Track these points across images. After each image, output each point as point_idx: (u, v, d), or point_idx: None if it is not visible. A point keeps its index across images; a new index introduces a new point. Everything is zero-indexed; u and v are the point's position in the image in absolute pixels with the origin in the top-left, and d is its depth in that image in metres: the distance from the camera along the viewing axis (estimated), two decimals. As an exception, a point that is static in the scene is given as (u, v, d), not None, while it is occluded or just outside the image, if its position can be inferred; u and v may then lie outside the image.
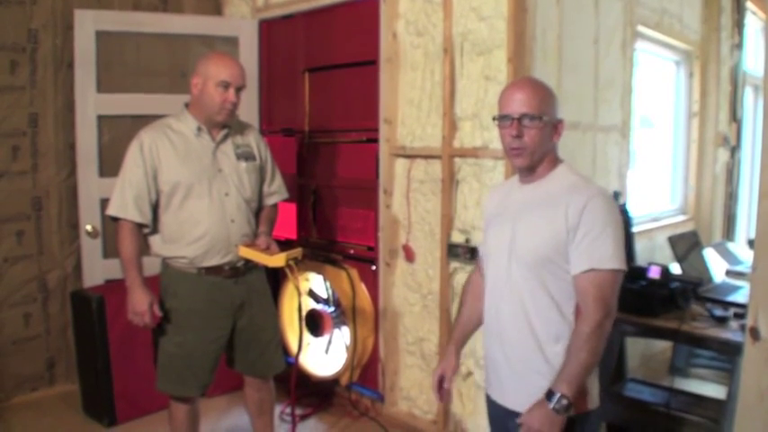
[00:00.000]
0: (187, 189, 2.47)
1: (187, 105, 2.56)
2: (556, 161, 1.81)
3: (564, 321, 1.70)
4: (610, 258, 1.63)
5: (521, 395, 1.75)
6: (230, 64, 2.50)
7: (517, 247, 1.76)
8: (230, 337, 2.64)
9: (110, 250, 3.58)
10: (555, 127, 1.78)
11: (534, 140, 1.74)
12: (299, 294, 2.95)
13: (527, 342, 1.75)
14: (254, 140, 2.68)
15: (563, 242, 1.67)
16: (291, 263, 2.53)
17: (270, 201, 2.77)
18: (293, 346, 3.80)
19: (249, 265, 2.61)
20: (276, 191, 2.79)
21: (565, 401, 1.60)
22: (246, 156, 2.62)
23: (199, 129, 2.51)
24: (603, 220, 1.65)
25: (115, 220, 2.48)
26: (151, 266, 2.61)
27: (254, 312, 2.65)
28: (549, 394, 1.62)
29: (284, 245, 2.89)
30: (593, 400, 1.76)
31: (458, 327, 2.08)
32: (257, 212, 2.70)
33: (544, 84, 1.84)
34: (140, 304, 2.42)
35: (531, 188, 1.81)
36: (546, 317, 1.72)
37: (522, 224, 1.78)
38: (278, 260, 2.50)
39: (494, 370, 1.88)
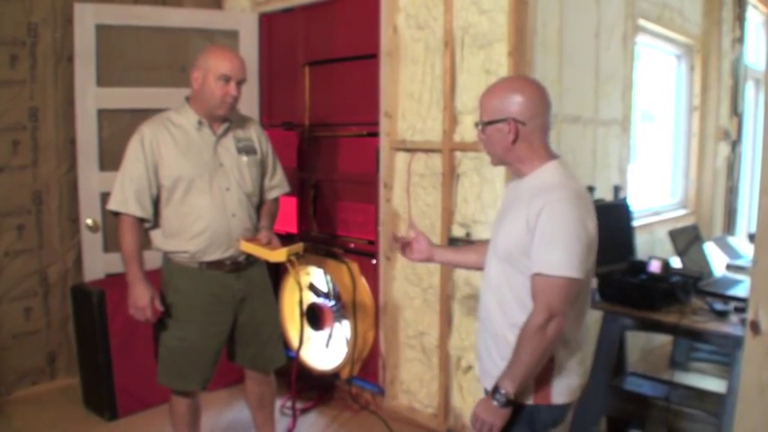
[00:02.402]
0: (188, 183, 2.46)
1: (188, 99, 2.56)
2: (543, 158, 1.79)
3: (526, 314, 1.72)
4: (557, 265, 1.64)
5: (491, 379, 1.81)
6: (231, 57, 2.49)
7: (496, 241, 1.84)
8: (231, 332, 2.64)
9: (110, 244, 3.58)
10: (505, 128, 1.75)
11: (485, 145, 1.84)
12: (300, 289, 2.94)
13: (497, 328, 1.82)
14: (255, 134, 2.68)
15: (525, 242, 1.70)
16: (293, 258, 2.52)
17: (271, 195, 2.76)
18: (294, 340, 3.80)
19: (250, 260, 2.61)
20: (277, 185, 2.78)
21: (504, 397, 1.70)
22: (247, 150, 2.61)
23: (200, 122, 2.50)
24: (555, 226, 1.65)
25: (116, 214, 2.48)
26: (152, 260, 2.61)
27: (255, 307, 2.65)
28: (494, 388, 1.72)
29: (285, 239, 2.89)
30: (561, 395, 1.80)
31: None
32: (258, 207, 2.70)
33: (500, 83, 1.87)
34: (141, 299, 2.42)
35: (518, 184, 1.84)
36: (512, 310, 1.77)
37: (502, 219, 1.85)
38: (279, 255, 2.49)
39: (478, 354, 1.98)
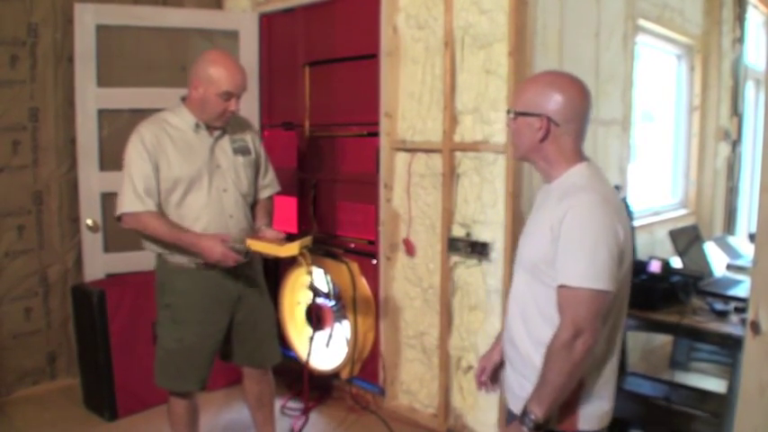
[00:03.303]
0: (187, 185, 2.45)
1: (183, 99, 2.54)
2: (571, 161, 1.67)
3: (552, 332, 1.59)
4: (582, 276, 1.51)
5: (511, 396, 1.76)
6: (234, 72, 2.44)
7: (521, 250, 1.73)
8: (227, 331, 2.63)
9: (111, 244, 3.59)
10: (536, 123, 1.64)
11: (512, 136, 1.75)
12: (312, 281, 2.90)
13: (519, 345, 1.71)
14: (248, 134, 2.68)
15: (549, 251, 1.58)
16: (304, 251, 2.51)
17: (264, 194, 2.77)
18: (294, 340, 3.80)
19: (246, 259, 2.60)
20: (269, 184, 2.79)
21: (533, 422, 1.58)
22: (243, 150, 2.61)
23: (197, 125, 2.49)
24: (580, 234, 1.53)
25: (118, 218, 2.45)
26: (150, 262, 2.61)
27: (252, 304, 2.65)
28: (523, 412, 1.60)
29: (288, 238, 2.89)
30: (589, 422, 1.66)
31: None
32: (252, 207, 2.71)
33: (543, 75, 1.74)
34: (215, 250, 2.37)
35: (547, 189, 1.73)
36: (536, 325, 1.65)
37: (529, 227, 1.75)
38: (291, 249, 2.44)
39: (505, 369, 1.87)
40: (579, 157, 1.69)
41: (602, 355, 1.65)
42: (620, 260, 1.58)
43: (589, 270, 1.51)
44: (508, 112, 1.73)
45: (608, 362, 1.67)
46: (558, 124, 1.64)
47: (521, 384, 1.70)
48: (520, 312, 1.70)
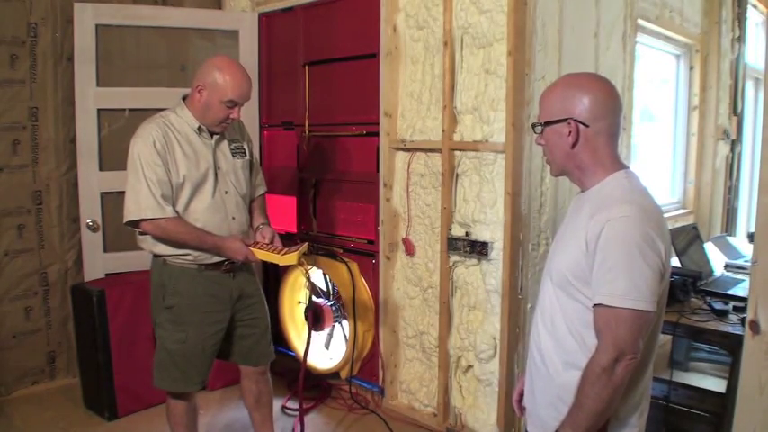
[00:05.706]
0: (193, 188, 2.44)
1: (185, 99, 2.53)
2: (608, 168, 1.57)
3: (581, 350, 1.51)
4: (622, 294, 1.41)
5: (532, 416, 1.70)
6: (240, 81, 2.42)
7: (552, 262, 1.63)
8: (227, 330, 2.63)
9: (110, 244, 3.59)
10: (564, 129, 1.55)
11: (545, 152, 1.64)
12: (310, 286, 2.93)
13: (542, 365, 1.62)
14: (242, 136, 2.68)
15: (582, 266, 1.48)
16: (302, 259, 2.54)
17: (257, 192, 2.78)
18: (294, 339, 3.81)
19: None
20: (260, 183, 2.81)
21: None
22: (240, 152, 2.61)
23: (200, 128, 2.49)
24: (619, 249, 1.42)
25: (134, 224, 2.43)
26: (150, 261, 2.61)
27: (250, 303, 2.66)
28: None
29: (284, 238, 2.89)
30: None
31: None
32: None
33: (562, 79, 1.65)
34: (240, 251, 2.45)
35: (581, 198, 1.63)
36: (565, 340, 1.55)
37: (560, 238, 1.65)
38: (290, 259, 2.50)
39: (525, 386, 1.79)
40: (616, 163, 1.58)
41: (634, 381, 1.53)
42: (662, 276, 1.47)
43: (630, 288, 1.41)
44: (533, 127, 1.64)
45: (637, 386, 1.56)
46: (587, 125, 1.53)
47: (536, 403, 1.64)
48: (547, 327, 1.60)
